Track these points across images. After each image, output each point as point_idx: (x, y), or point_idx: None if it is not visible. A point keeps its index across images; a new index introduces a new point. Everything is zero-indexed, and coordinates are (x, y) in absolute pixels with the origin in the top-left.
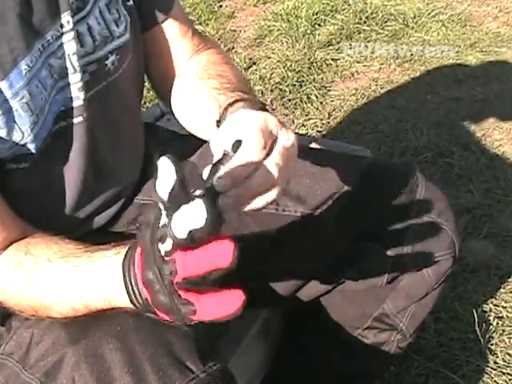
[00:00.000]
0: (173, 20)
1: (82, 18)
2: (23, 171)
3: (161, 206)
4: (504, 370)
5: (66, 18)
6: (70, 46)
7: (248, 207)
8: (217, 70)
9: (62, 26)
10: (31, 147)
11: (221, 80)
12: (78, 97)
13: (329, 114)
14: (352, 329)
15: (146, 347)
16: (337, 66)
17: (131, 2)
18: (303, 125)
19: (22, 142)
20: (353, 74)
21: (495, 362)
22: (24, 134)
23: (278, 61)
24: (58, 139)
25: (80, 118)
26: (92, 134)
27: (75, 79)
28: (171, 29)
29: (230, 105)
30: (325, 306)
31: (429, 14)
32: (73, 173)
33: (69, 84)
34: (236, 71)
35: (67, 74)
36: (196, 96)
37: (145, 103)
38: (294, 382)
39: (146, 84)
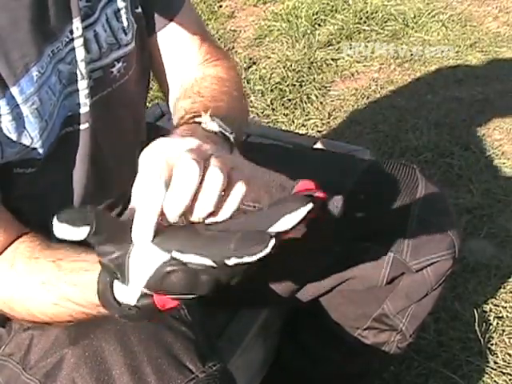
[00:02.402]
0: (176, 26)
1: (90, 25)
2: (29, 176)
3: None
4: (504, 370)
5: (76, 24)
6: (79, 52)
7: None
8: (201, 87)
9: (71, 31)
10: (39, 152)
11: (195, 99)
12: (85, 103)
13: (329, 113)
14: (352, 329)
15: (145, 347)
16: (337, 65)
17: (140, 10)
18: (303, 125)
19: (31, 147)
20: (353, 74)
21: (495, 362)
22: (33, 139)
23: (278, 61)
24: (64, 144)
25: (86, 125)
26: (97, 139)
27: (83, 86)
28: (175, 35)
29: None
30: (325, 306)
31: (429, 13)
32: (77, 178)
33: (77, 90)
34: (226, 87)
35: (76, 80)
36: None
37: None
38: (293, 382)
39: None
